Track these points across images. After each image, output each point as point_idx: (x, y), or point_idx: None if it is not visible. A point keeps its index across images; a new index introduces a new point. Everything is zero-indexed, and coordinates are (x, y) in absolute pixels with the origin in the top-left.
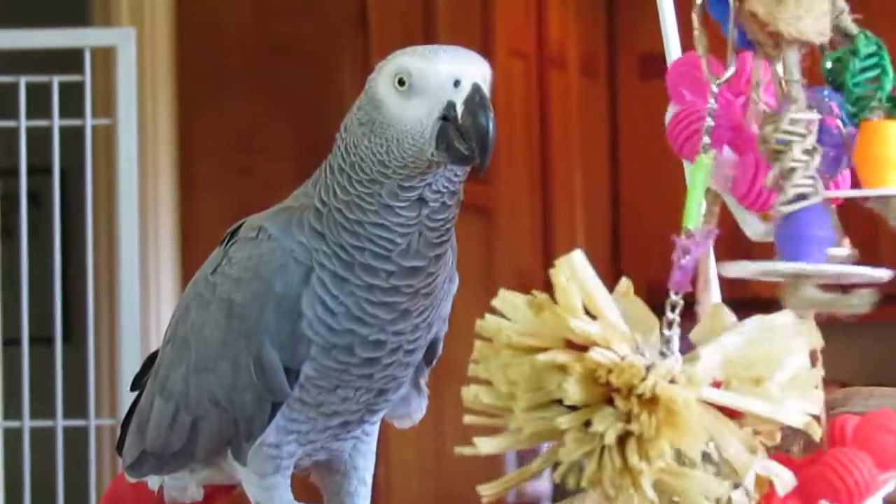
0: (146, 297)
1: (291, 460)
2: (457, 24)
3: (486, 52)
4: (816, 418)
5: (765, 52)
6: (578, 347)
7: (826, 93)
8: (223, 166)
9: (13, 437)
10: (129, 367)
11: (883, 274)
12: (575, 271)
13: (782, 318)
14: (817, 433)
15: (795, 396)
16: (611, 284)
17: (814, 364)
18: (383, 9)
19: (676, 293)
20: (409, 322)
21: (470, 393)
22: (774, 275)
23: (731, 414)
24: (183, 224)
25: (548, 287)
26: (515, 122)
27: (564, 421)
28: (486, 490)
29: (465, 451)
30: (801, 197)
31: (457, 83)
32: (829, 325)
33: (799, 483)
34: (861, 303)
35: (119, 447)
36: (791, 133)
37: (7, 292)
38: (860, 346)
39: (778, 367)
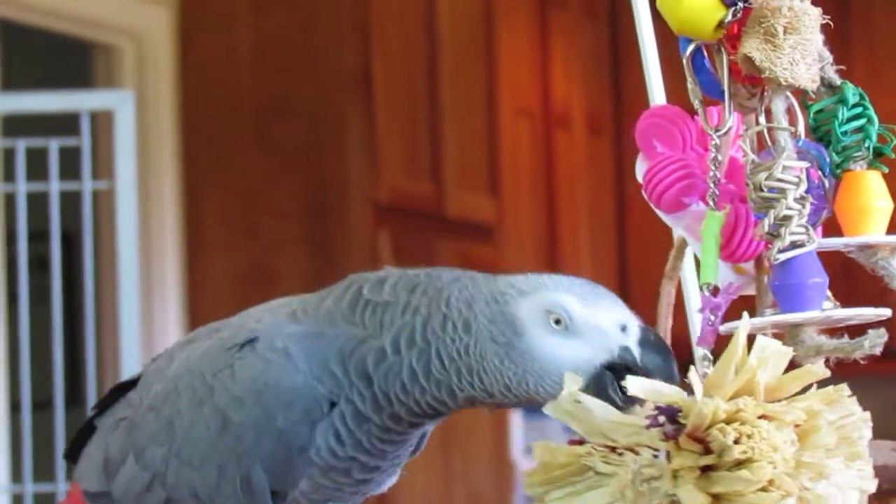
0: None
1: None
2: (462, 83)
3: (491, 111)
4: None
5: (738, 102)
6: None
7: (801, 143)
8: (229, 228)
9: (18, 502)
10: None
11: (885, 312)
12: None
13: None
14: None
15: None
16: None
17: None
18: (387, 68)
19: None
20: (407, 448)
21: None
22: (775, 327)
23: None
24: (189, 287)
25: None
26: (522, 181)
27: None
28: None
29: None
30: (796, 245)
31: (623, 328)
32: (842, 380)
33: None
34: (873, 344)
35: (70, 453)
36: (784, 181)
37: (14, 357)
38: (873, 400)
39: None
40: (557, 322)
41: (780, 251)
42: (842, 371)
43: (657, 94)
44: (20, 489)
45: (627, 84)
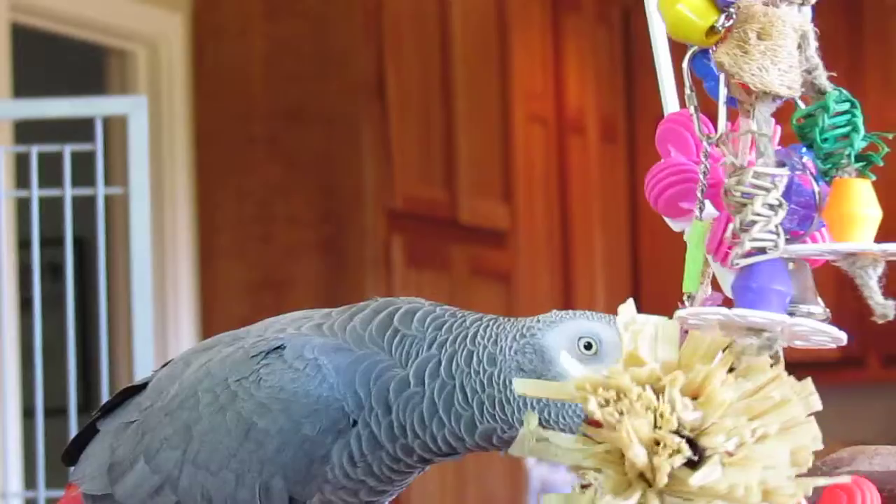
0: None
1: None
2: (476, 90)
3: (504, 117)
4: None
5: (744, 108)
6: None
7: (804, 150)
8: (243, 234)
9: None
10: None
11: (843, 335)
12: None
13: None
14: None
15: None
16: None
17: None
18: (401, 75)
19: None
20: (414, 476)
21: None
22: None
23: None
24: (203, 293)
25: None
26: (535, 187)
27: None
28: None
29: None
30: (760, 251)
31: None
32: (850, 387)
33: None
34: (762, 346)
35: (68, 455)
36: (755, 186)
37: (27, 363)
38: (881, 406)
39: None
40: (588, 347)
41: (742, 256)
42: (848, 378)
43: (670, 100)
44: (33, 495)
45: (641, 90)
